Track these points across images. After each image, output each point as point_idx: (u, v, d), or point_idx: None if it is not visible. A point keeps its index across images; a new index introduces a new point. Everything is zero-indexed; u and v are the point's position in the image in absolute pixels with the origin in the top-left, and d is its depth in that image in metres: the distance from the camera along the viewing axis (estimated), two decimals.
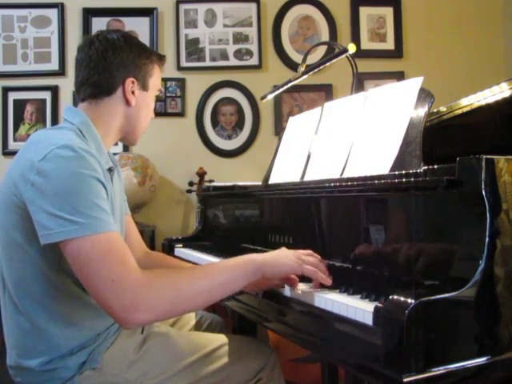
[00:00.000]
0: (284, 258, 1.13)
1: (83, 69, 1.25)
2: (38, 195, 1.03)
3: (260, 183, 1.78)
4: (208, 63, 3.22)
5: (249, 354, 1.31)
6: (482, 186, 0.88)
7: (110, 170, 1.26)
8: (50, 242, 1.02)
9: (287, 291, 1.19)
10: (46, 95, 3.12)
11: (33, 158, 1.06)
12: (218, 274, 1.08)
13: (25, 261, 1.12)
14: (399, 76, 3.18)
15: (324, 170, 1.40)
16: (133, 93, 1.27)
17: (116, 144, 1.48)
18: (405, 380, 0.78)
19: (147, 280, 1.01)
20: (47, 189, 1.02)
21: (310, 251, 1.19)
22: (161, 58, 1.36)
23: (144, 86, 1.30)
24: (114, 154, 2.79)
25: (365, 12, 3.31)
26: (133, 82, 1.27)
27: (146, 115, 1.34)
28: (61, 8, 3.13)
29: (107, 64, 1.24)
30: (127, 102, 1.27)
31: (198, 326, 1.55)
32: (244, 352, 1.31)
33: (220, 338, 1.33)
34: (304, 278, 1.18)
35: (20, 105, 3.13)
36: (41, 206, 1.03)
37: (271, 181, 1.70)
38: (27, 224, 1.07)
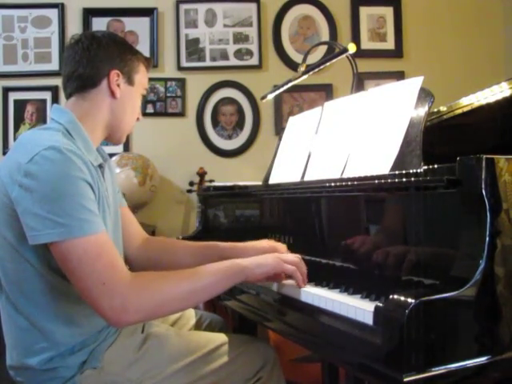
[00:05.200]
0: (264, 259, 1.20)
1: (69, 63, 1.26)
2: (25, 197, 1.04)
3: (260, 183, 1.78)
4: (208, 63, 3.22)
5: (249, 353, 1.32)
6: (483, 186, 0.88)
7: (101, 166, 1.26)
8: (38, 242, 1.04)
9: (287, 291, 1.19)
10: (47, 95, 3.12)
11: (20, 160, 1.07)
12: (203, 276, 1.14)
13: (18, 260, 1.13)
14: (399, 76, 3.17)
15: (324, 169, 1.40)
16: (118, 86, 1.27)
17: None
18: (405, 379, 0.78)
19: (136, 283, 1.06)
20: (35, 191, 1.04)
21: (295, 255, 1.25)
22: (146, 59, 1.37)
23: (129, 81, 1.30)
24: (114, 155, 2.82)
25: (365, 12, 3.31)
26: (118, 75, 1.27)
27: (131, 111, 1.33)
28: (61, 8, 3.13)
29: (92, 56, 1.25)
30: (112, 94, 1.27)
31: (197, 326, 1.55)
32: (244, 351, 1.31)
33: (220, 337, 1.33)
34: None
35: (20, 105, 3.13)
36: (28, 208, 1.04)
37: (271, 181, 1.70)
38: (18, 224, 1.08)
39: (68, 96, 1.28)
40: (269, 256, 1.22)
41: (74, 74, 1.25)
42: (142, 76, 1.34)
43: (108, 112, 1.28)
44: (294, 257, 1.23)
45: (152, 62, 1.41)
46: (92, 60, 1.24)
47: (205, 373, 1.24)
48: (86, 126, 1.24)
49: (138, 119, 1.38)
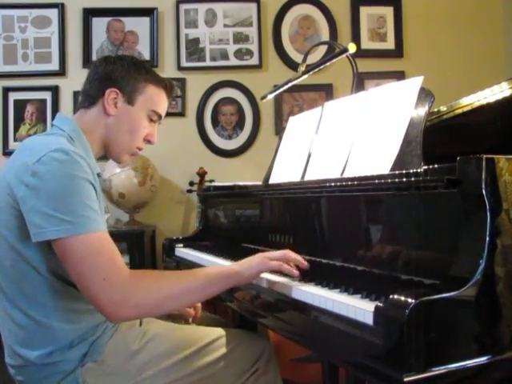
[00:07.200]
0: (251, 261, 1.21)
1: (84, 82, 1.35)
2: (32, 196, 1.07)
3: (260, 183, 1.78)
4: (208, 63, 3.22)
5: (245, 345, 1.35)
6: (483, 186, 0.88)
7: (99, 175, 1.29)
8: (43, 239, 1.07)
9: (287, 291, 1.19)
10: (47, 95, 3.12)
11: (27, 161, 1.10)
12: (200, 278, 1.17)
13: (17, 260, 1.15)
14: (399, 76, 3.18)
15: (324, 169, 1.40)
16: (115, 104, 1.29)
17: None
18: (405, 379, 0.78)
19: (135, 279, 1.09)
20: (41, 189, 1.07)
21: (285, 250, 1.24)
22: (163, 83, 1.35)
23: (129, 100, 1.31)
24: None
25: (365, 11, 3.31)
26: (116, 93, 1.29)
27: (128, 131, 1.32)
28: (61, 8, 3.13)
29: (96, 74, 1.31)
30: (105, 111, 1.29)
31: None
32: (240, 343, 1.35)
33: (216, 331, 1.36)
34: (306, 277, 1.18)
35: (20, 105, 3.13)
36: (34, 206, 1.07)
37: (271, 180, 1.70)
38: (19, 223, 1.11)
39: (76, 110, 1.35)
40: (255, 257, 1.22)
41: (82, 91, 1.33)
42: (147, 98, 1.32)
43: (103, 128, 1.31)
44: (279, 252, 1.23)
45: (173, 86, 1.41)
46: (96, 78, 1.31)
47: (202, 365, 1.27)
48: (86, 138, 1.28)
49: (149, 141, 1.38)
